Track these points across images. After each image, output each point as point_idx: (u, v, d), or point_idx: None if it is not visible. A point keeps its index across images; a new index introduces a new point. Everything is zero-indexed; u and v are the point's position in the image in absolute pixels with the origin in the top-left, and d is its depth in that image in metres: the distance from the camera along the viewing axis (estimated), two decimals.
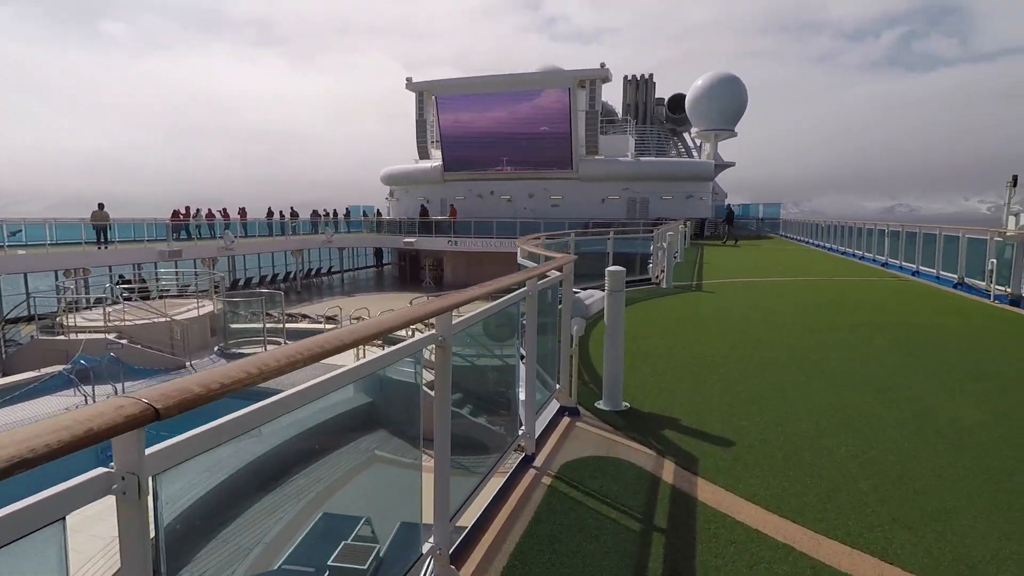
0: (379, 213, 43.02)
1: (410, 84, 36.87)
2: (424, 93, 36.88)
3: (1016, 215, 10.68)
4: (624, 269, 4.70)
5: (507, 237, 30.45)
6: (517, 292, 3.42)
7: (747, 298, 10.32)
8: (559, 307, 4.71)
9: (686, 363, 5.95)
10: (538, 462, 3.66)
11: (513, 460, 3.63)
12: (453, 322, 2.51)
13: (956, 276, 11.49)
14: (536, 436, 3.86)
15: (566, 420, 4.39)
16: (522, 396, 3.71)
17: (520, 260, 7.57)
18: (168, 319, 15.52)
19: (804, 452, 3.70)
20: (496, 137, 35.56)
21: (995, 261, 9.59)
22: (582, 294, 4.85)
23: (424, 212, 36.82)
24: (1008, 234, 9.15)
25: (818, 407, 4.54)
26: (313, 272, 38.56)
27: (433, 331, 2.42)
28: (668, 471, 3.49)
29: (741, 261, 18.71)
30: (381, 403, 2.38)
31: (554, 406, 4.56)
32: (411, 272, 40.01)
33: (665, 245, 12.04)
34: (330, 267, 40.63)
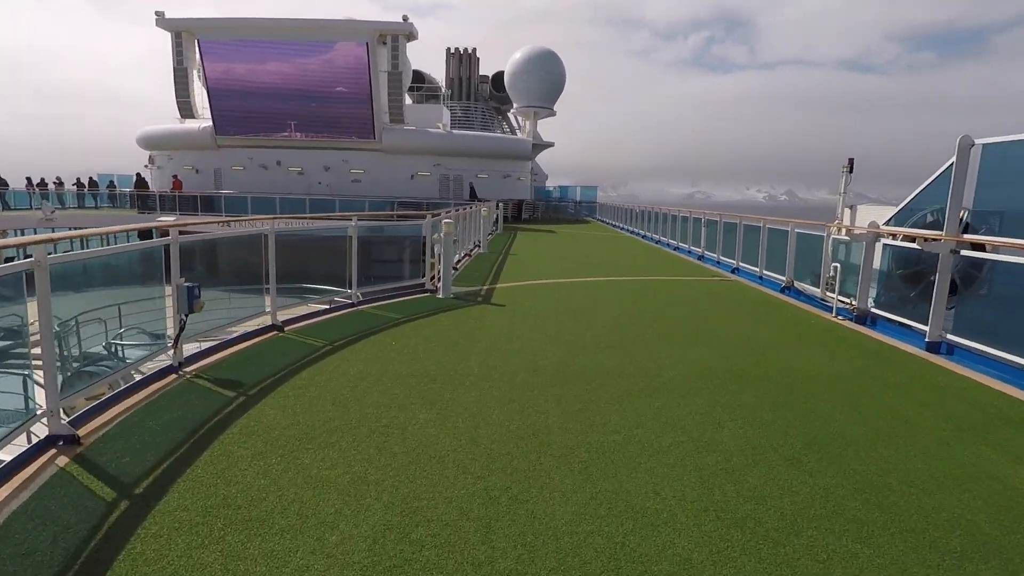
0: (141, 183, 33.84)
1: (161, 20, 28.73)
2: (183, 34, 29.03)
3: (852, 207, 8.95)
4: None
5: (299, 216, 24.78)
6: None
7: (543, 316, 7.09)
8: None
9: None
10: None
11: None
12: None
13: (784, 279, 9.53)
14: None
15: None
16: None
17: None
18: None
19: None
20: (280, 95, 29.29)
21: (839, 266, 7.45)
22: None
23: (142, 182, 29.35)
24: (856, 231, 7.02)
25: None
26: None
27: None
28: None
29: (552, 252, 15.97)
30: None
31: None
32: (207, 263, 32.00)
33: (441, 238, 8.39)
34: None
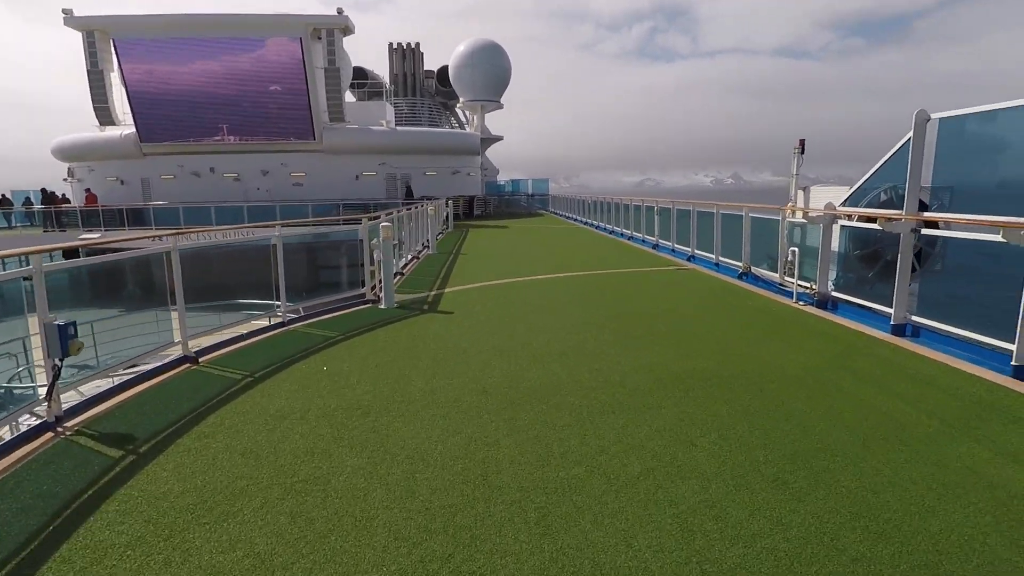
0: (58, 198, 31.39)
1: (70, 19, 26.60)
2: (96, 33, 26.97)
3: (804, 189, 8.76)
4: None
5: (238, 226, 23.42)
6: None
7: (493, 323, 6.57)
8: None
9: None
10: None
11: None
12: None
13: (741, 265, 9.29)
14: None
15: None
16: None
17: None
18: None
19: None
20: (209, 97, 27.63)
21: (796, 251, 7.20)
22: None
23: (50, 197, 27.42)
24: (812, 214, 6.77)
25: None
26: None
27: None
28: None
29: (503, 248, 15.45)
30: None
31: None
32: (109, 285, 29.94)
33: (380, 243, 7.72)
34: None
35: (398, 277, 10.23)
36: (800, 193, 8.69)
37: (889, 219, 5.58)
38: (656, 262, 11.66)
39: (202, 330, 5.61)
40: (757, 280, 8.87)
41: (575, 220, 26.93)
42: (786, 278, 7.86)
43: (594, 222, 22.66)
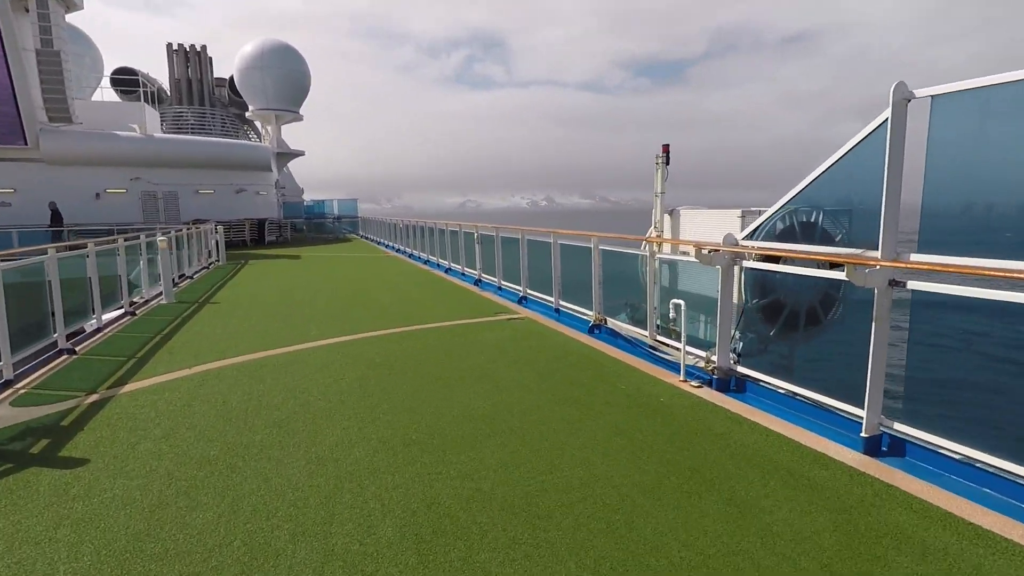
0: None
1: None
2: None
3: (671, 212, 6.57)
4: None
5: None
6: None
7: (169, 485, 3.08)
8: None
9: None
10: None
11: None
12: None
13: (591, 314, 6.86)
14: None
15: None
16: None
17: None
18: None
19: None
20: None
21: (682, 304, 4.81)
22: None
23: None
24: (705, 252, 4.43)
25: None
26: None
27: None
28: None
29: (279, 292, 11.53)
30: None
31: None
32: None
33: None
34: None
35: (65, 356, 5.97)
36: (667, 218, 6.60)
37: (859, 264, 3.32)
38: (480, 308, 8.86)
39: None
40: (615, 337, 6.47)
41: (387, 247, 23.50)
42: (661, 341, 5.51)
43: (407, 249, 19.50)
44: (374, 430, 3.99)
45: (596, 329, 6.81)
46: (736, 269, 4.57)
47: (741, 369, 4.61)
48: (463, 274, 12.44)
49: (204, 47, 43.98)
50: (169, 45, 42.52)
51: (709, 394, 4.59)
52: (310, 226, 34.23)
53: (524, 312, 8.28)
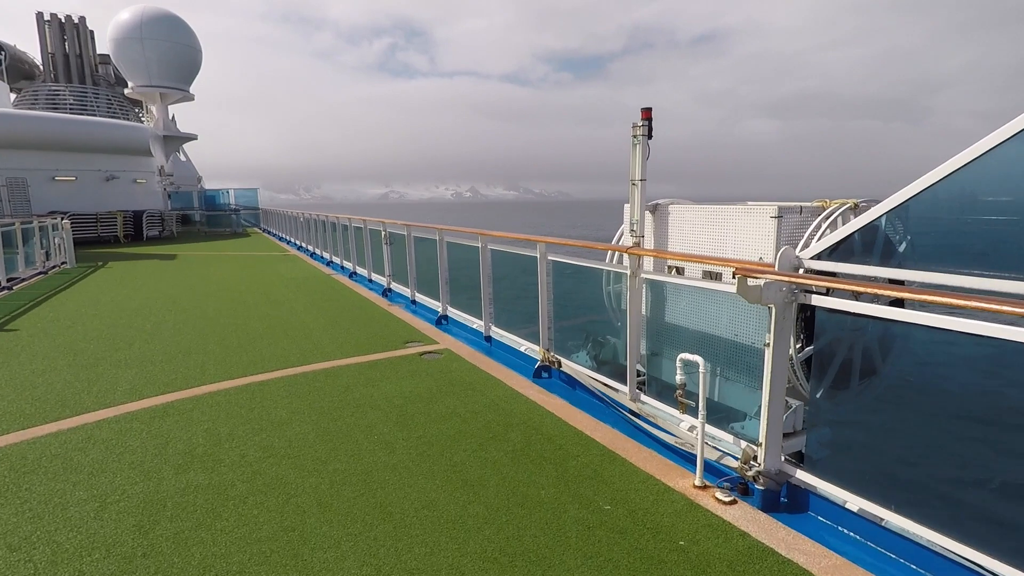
0: None
1: None
2: None
3: (653, 208, 4.61)
4: None
5: None
6: None
7: None
8: None
9: None
10: None
11: None
12: None
13: (538, 350, 4.85)
14: None
15: None
16: None
17: None
18: None
19: None
20: None
21: (700, 361, 2.90)
22: None
23: None
24: (751, 280, 2.55)
25: None
26: None
27: None
28: None
29: (127, 313, 8.76)
30: None
31: None
32: None
33: None
34: None
35: None
36: (649, 217, 4.65)
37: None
38: (383, 335, 6.61)
39: None
40: (572, 388, 4.49)
41: (290, 243, 20.50)
42: (646, 402, 3.59)
43: (310, 248, 16.76)
44: None
45: (545, 371, 4.81)
46: (795, 307, 2.68)
47: (802, 475, 2.73)
48: (370, 281, 10.11)
49: (83, 18, 38.06)
50: (40, 15, 36.35)
51: (751, 520, 2.68)
52: (209, 219, 30.13)
53: (444, 340, 6.14)
